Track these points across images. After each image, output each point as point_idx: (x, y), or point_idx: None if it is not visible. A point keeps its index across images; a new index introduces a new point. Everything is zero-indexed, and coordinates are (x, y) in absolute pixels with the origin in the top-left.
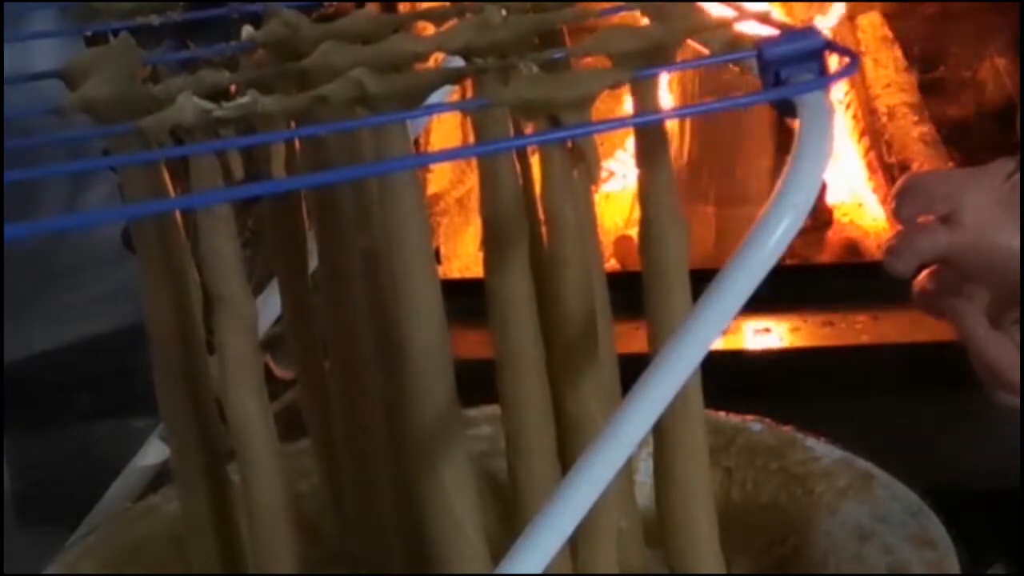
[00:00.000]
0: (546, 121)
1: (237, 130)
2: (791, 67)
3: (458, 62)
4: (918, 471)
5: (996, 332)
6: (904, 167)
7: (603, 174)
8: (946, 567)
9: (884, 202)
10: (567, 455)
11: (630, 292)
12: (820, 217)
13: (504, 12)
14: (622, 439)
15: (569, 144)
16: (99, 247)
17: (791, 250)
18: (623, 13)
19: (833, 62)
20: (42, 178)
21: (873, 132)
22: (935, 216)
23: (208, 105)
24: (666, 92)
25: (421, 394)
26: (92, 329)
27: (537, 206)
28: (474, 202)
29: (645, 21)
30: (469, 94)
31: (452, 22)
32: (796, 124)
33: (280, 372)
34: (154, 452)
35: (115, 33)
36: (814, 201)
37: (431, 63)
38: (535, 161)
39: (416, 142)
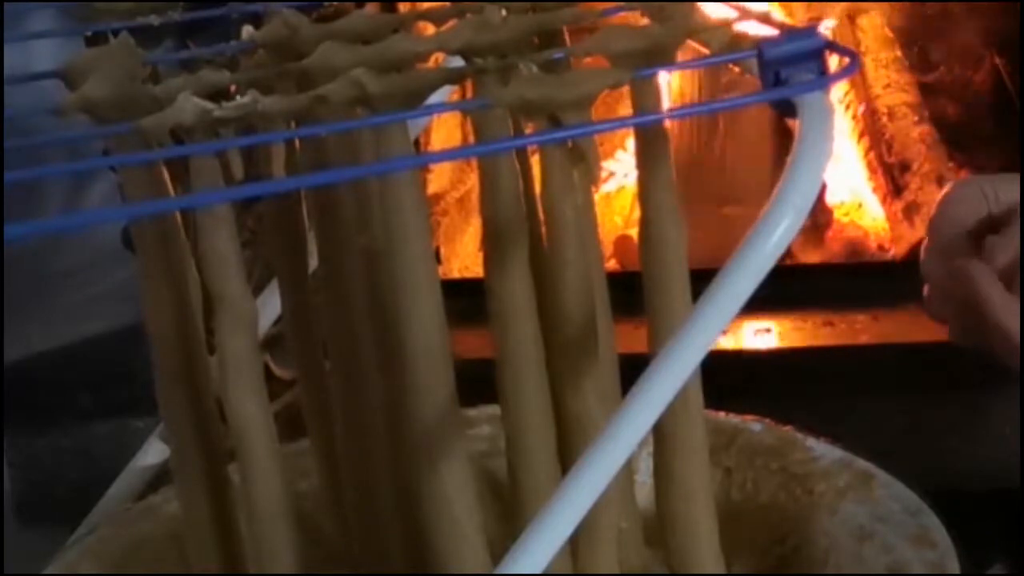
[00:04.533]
0: (546, 121)
1: (237, 130)
2: (791, 67)
3: (458, 62)
4: (918, 471)
5: (1011, 296)
6: (904, 167)
7: (603, 174)
8: (946, 567)
9: (884, 202)
10: (567, 455)
11: (630, 292)
12: (820, 217)
13: (504, 12)
14: (622, 439)
15: (569, 144)
16: (99, 247)
17: (791, 250)
18: (623, 13)
19: (833, 62)
20: (42, 178)
21: (873, 132)
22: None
23: (208, 105)
24: (666, 92)
25: (421, 394)
26: (92, 329)
27: (537, 206)
28: (474, 202)
29: (645, 21)
30: (469, 94)
31: (452, 22)
32: (796, 124)
33: (280, 372)
34: (154, 452)
35: (115, 33)
36: (814, 201)
37: (431, 63)
38: (535, 161)
39: (416, 142)
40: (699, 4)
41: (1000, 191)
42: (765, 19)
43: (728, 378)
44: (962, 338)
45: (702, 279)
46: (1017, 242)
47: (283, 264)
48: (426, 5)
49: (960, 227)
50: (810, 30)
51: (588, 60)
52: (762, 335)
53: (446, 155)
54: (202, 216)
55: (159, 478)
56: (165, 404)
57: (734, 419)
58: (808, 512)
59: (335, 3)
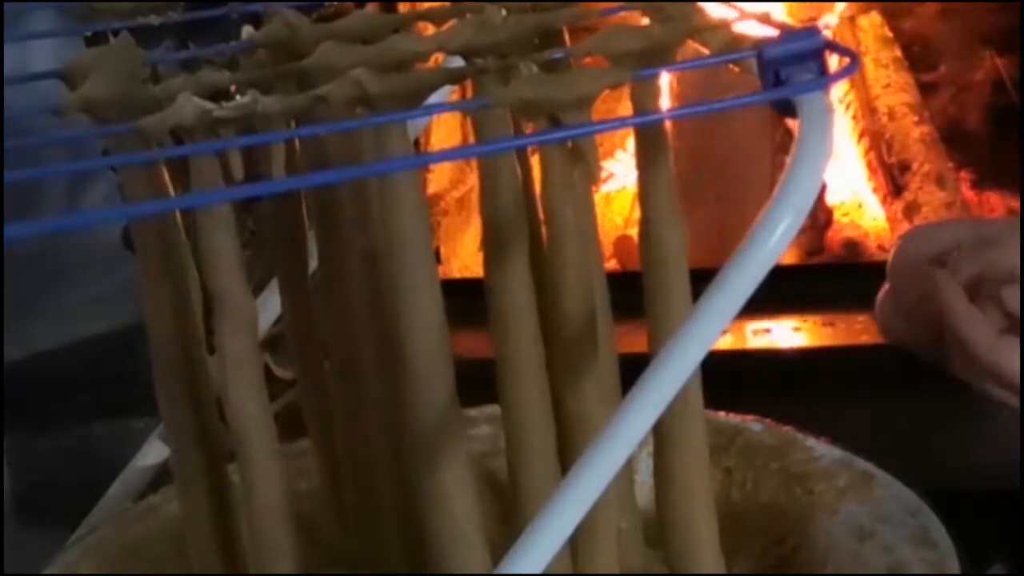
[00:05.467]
0: (546, 121)
1: (237, 130)
2: (791, 67)
3: (458, 62)
4: (918, 471)
5: (974, 307)
6: (904, 167)
7: (603, 174)
8: (946, 567)
9: (884, 202)
10: (567, 455)
11: (630, 292)
12: (820, 217)
13: (504, 12)
14: (622, 439)
15: (569, 144)
16: (99, 247)
17: (791, 250)
18: (623, 13)
19: (833, 62)
20: (42, 178)
21: (873, 132)
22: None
23: (208, 105)
24: (666, 92)
25: (421, 394)
26: (92, 329)
27: (537, 206)
28: (474, 202)
29: (645, 21)
30: (469, 94)
31: (452, 22)
32: (796, 124)
33: (280, 372)
34: (154, 452)
35: (115, 33)
36: (814, 201)
37: (431, 63)
38: (535, 161)
39: (416, 142)
40: (699, 4)
41: (947, 233)
42: (765, 19)
43: (728, 378)
44: (921, 349)
45: (702, 279)
46: (984, 258)
47: (283, 264)
48: (426, 5)
49: (917, 260)
50: (810, 30)
51: (588, 60)
52: (762, 335)
53: (446, 155)
54: (202, 216)
55: (159, 478)
56: (165, 404)
57: (734, 419)
58: (808, 512)
59: (335, 3)
